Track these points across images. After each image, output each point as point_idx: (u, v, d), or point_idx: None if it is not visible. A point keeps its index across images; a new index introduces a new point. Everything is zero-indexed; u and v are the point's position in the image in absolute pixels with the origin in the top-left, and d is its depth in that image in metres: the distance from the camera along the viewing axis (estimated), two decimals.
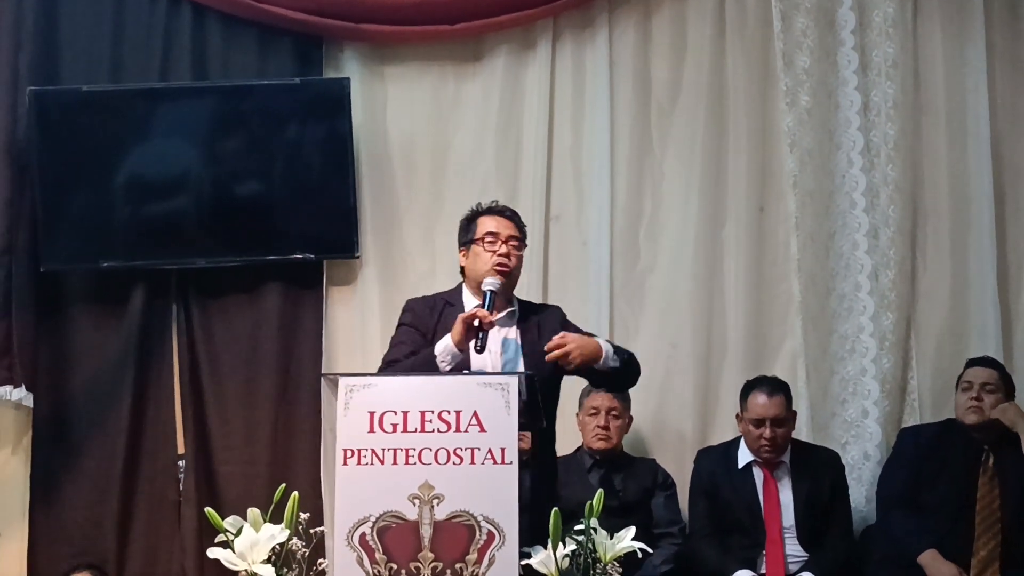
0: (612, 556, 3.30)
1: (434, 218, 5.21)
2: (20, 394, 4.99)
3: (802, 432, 4.88)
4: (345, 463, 3.34)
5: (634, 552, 3.34)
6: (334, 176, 5.03)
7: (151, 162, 5.04)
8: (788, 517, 4.62)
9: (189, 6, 5.16)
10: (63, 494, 5.02)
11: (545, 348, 3.69)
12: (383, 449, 3.32)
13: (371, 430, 3.33)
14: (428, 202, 5.23)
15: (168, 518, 5.01)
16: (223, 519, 3.41)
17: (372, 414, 3.34)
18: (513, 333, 3.86)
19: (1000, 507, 4.54)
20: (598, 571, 3.28)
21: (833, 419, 5.05)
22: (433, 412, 3.33)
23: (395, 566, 3.26)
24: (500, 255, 3.83)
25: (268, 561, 3.34)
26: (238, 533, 3.37)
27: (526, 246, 3.97)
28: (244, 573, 3.34)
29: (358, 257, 5.12)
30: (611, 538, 3.31)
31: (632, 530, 3.35)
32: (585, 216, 5.19)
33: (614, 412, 4.80)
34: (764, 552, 4.57)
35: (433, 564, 3.25)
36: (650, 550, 3.54)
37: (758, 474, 4.67)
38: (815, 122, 5.12)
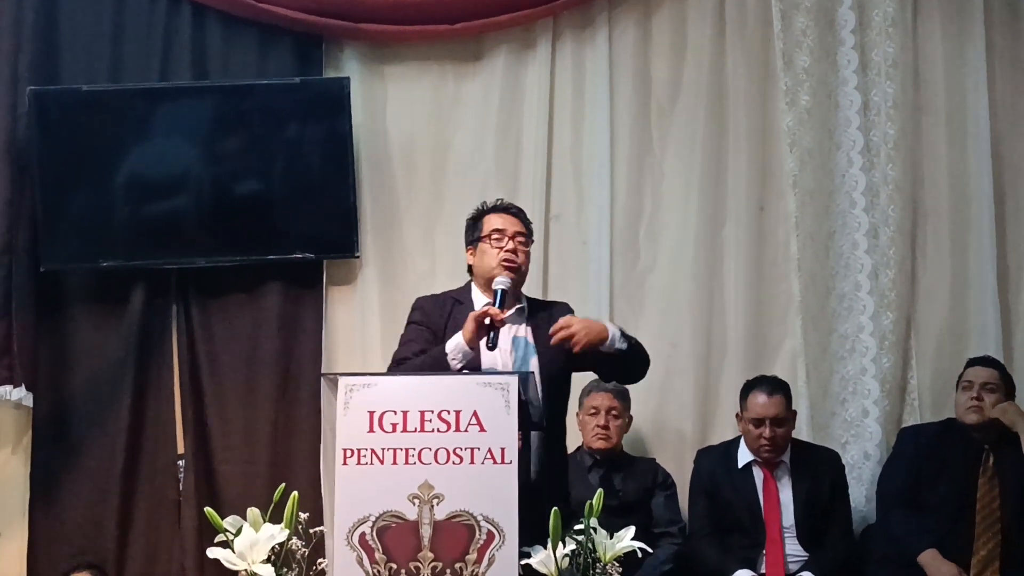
0: (612, 556, 3.29)
1: (434, 218, 5.21)
2: (20, 394, 4.99)
3: (802, 431, 4.88)
4: (345, 463, 3.34)
5: (634, 552, 3.34)
6: (334, 176, 5.03)
7: (151, 162, 5.04)
8: (788, 517, 4.61)
9: (189, 6, 5.16)
10: (63, 494, 5.02)
11: (550, 332, 3.69)
12: (383, 449, 3.32)
13: (371, 430, 3.33)
14: (428, 202, 5.23)
15: (168, 518, 5.02)
16: (223, 519, 3.41)
17: (372, 414, 3.34)
18: (523, 331, 3.86)
19: (1000, 507, 4.54)
20: (598, 571, 3.28)
21: (833, 418, 5.05)
22: (433, 412, 3.33)
23: (395, 566, 3.26)
24: (507, 251, 3.84)
25: (268, 561, 3.34)
26: (238, 533, 3.37)
27: (533, 242, 3.98)
28: (244, 573, 3.34)
29: (358, 257, 5.13)
30: (611, 538, 3.31)
31: (632, 530, 3.35)
32: (585, 216, 5.19)
33: (614, 412, 4.81)
34: (764, 552, 4.56)
35: (433, 564, 3.25)
36: (650, 550, 3.54)
37: (758, 474, 4.67)
38: (815, 121, 5.12)
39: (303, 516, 3.41)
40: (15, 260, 5.00)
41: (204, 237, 5.06)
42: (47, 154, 5.01)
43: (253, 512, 3.40)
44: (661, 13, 5.26)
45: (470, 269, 3.98)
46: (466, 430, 3.32)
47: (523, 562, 3.28)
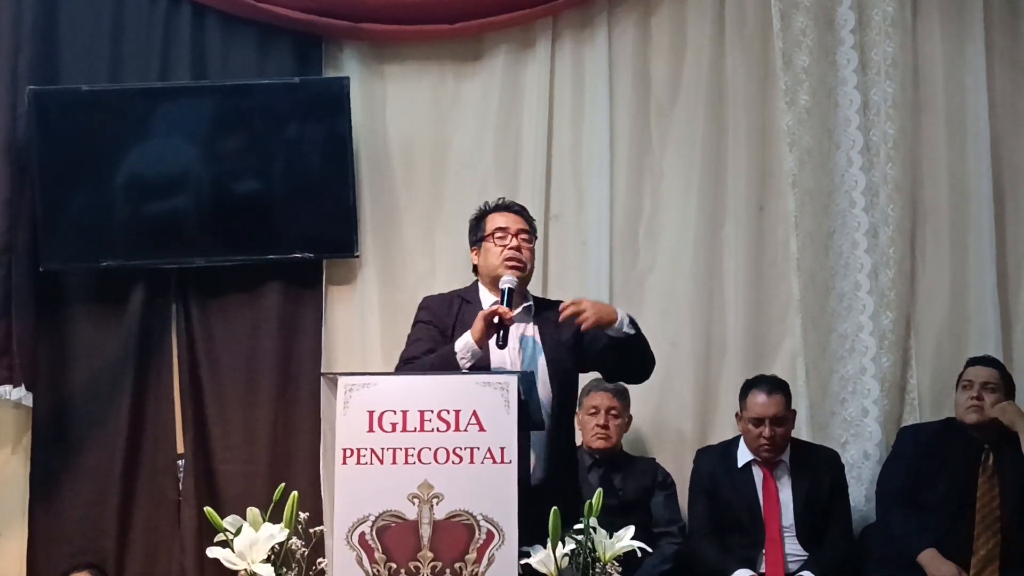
0: (611, 555, 3.29)
1: (433, 217, 5.22)
2: (20, 393, 4.99)
3: (802, 431, 4.88)
4: (344, 462, 3.34)
5: (633, 551, 3.34)
6: (333, 175, 5.03)
7: (151, 161, 5.04)
8: (788, 516, 4.61)
9: (189, 6, 5.16)
10: (63, 493, 5.02)
11: (560, 308, 3.71)
12: (382, 448, 3.32)
13: (370, 429, 3.33)
14: (427, 201, 5.23)
15: (168, 517, 5.01)
16: (222, 518, 3.41)
17: (371, 413, 3.35)
18: (531, 330, 3.86)
19: (1000, 506, 4.54)
20: (597, 570, 3.28)
21: (833, 418, 5.05)
22: (432, 411, 3.33)
23: (394, 565, 3.26)
24: (511, 249, 3.84)
25: (267, 560, 3.34)
26: (237, 532, 3.37)
27: (536, 239, 3.99)
28: (243, 572, 3.34)
29: (357, 256, 5.12)
30: (610, 537, 3.31)
31: (631, 529, 3.35)
32: (584, 215, 5.19)
33: (613, 411, 4.81)
34: (764, 551, 4.56)
35: (432, 563, 3.25)
36: (649, 549, 3.53)
37: (758, 473, 4.67)
38: (814, 121, 5.12)
39: (303, 516, 3.41)
40: (15, 260, 5.00)
41: (204, 237, 5.06)
42: (47, 154, 5.01)
43: (253, 512, 3.40)
44: (660, 13, 5.26)
45: (475, 269, 3.98)
46: (466, 430, 3.32)
47: (523, 562, 3.28)
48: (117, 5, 5.19)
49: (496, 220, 3.92)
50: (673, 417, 5.10)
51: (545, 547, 3.26)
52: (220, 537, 3.40)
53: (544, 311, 3.92)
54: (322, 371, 5.02)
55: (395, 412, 3.34)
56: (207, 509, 3.50)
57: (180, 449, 5.07)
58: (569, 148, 5.21)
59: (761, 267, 5.15)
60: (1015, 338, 5.12)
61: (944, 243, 5.15)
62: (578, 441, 4.81)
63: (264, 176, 5.08)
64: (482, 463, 3.30)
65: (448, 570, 3.25)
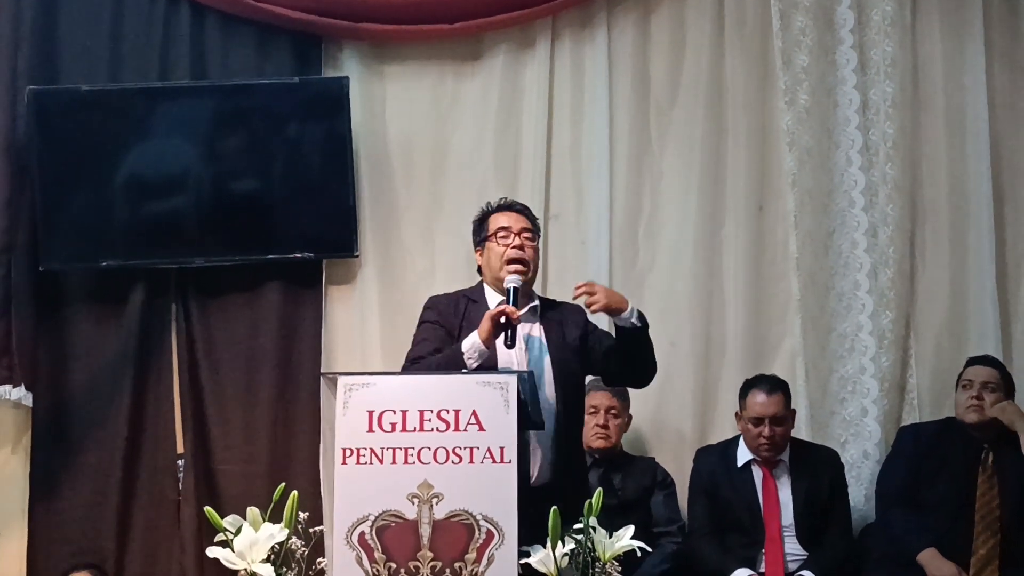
0: (611, 555, 3.30)
1: (433, 217, 5.22)
2: (19, 393, 4.99)
3: (801, 431, 4.88)
4: (344, 462, 3.34)
5: (633, 551, 3.34)
6: (333, 175, 5.03)
7: (150, 161, 5.04)
8: (787, 516, 4.62)
9: (188, 5, 5.15)
10: (62, 493, 5.02)
11: (575, 287, 3.75)
12: (382, 448, 3.32)
13: (370, 429, 3.34)
14: (427, 201, 5.23)
15: (167, 517, 5.01)
16: (222, 518, 3.42)
17: (371, 413, 3.35)
18: (537, 330, 3.87)
19: (999, 506, 4.54)
20: (597, 570, 3.28)
21: (832, 417, 5.05)
22: (432, 411, 3.34)
23: (394, 565, 3.27)
24: (514, 247, 3.85)
25: (267, 560, 3.34)
26: (237, 532, 3.38)
27: (539, 237, 4.00)
28: (243, 572, 3.35)
29: (357, 256, 5.12)
30: (610, 537, 3.31)
31: (631, 529, 3.35)
32: (584, 215, 5.19)
33: (613, 411, 4.81)
34: (763, 551, 4.56)
35: (432, 563, 3.26)
36: (649, 549, 3.54)
37: (757, 473, 4.67)
38: (814, 121, 5.12)
39: (302, 515, 3.42)
40: (14, 260, 5.00)
41: (203, 237, 5.06)
42: (46, 154, 5.01)
43: (253, 511, 3.41)
44: (660, 12, 5.25)
45: (479, 269, 3.99)
46: (465, 429, 3.32)
47: (522, 561, 3.28)
48: (117, 5, 5.19)
49: (499, 220, 3.93)
50: (673, 417, 5.10)
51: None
52: (220, 537, 3.40)
53: (549, 311, 3.93)
54: (322, 371, 5.02)
55: (395, 412, 3.34)
56: (207, 509, 3.51)
57: (180, 449, 5.07)
58: (569, 148, 5.21)
59: (761, 267, 5.15)
60: (1015, 338, 5.12)
61: (944, 243, 5.15)
62: None
63: (264, 176, 5.08)
64: (482, 463, 3.30)
65: (448, 570, 3.25)
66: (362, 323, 5.14)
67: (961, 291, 5.12)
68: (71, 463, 5.04)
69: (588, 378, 4.11)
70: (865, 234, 5.10)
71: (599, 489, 3.38)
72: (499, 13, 5.14)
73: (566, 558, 3.25)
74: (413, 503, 3.29)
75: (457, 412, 3.33)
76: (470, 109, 5.26)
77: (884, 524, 4.69)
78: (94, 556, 4.95)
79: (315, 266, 5.14)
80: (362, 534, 3.28)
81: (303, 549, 3.39)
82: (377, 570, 3.26)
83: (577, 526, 3.29)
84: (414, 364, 3.80)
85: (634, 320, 3.77)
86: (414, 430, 3.33)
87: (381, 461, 3.32)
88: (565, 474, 3.76)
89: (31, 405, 5.05)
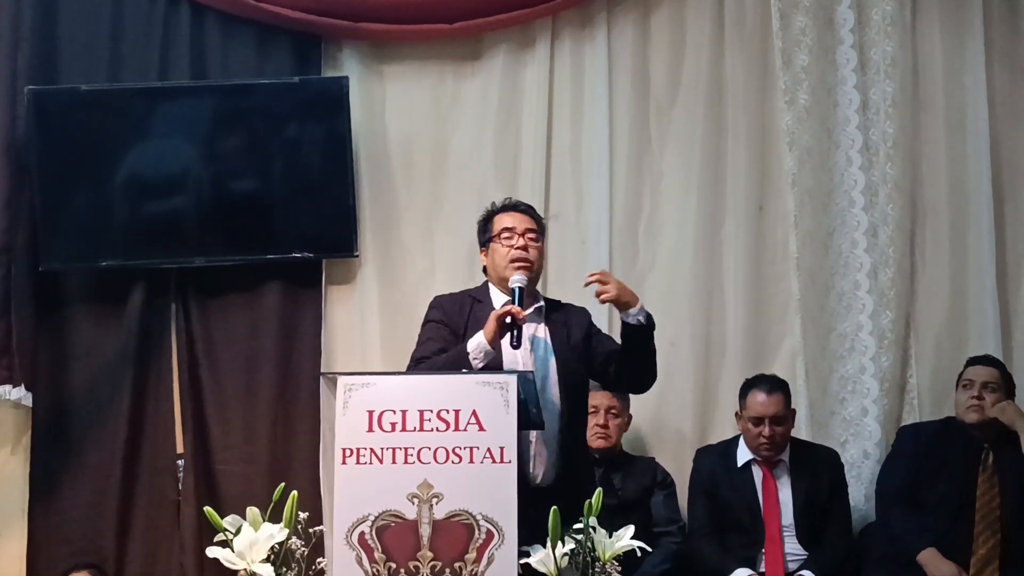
0: (611, 555, 3.30)
1: (433, 217, 5.21)
2: (19, 393, 4.99)
3: (801, 430, 4.88)
4: (344, 462, 3.34)
5: (633, 551, 3.34)
6: (333, 175, 5.03)
7: (150, 161, 5.04)
8: (787, 515, 4.62)
9: (188, 5, 5.15)
10: (62, 493, 5.02)
11: (588, 275, 3.78)
12: (382, 448, 3.32)
13: (370, 429, 3.34)
14: (427, 201, 5.23)
15: (167, 517, 5.01)
16: (222, 518, 3.41)
17: (371, 413, 3.35)
18: (542, 331, 3.87)
19: (999, 505, 4.54)
20: (597, 570, 3.28)
21: (832, 417, 5.05)
22: (432, 411, 3.34)
23: (394, 565, 3.27)
24: (518, 248, 3.84)
25: (267, 560, 3.34)
26: (237, 532, 3.38)
27: (544, 237, 4.00)
28: (243, 572, 3.34)
29: (357, 256, 5.12)
30: (610, 537, 3.31)
31: (631, 529, 3.35)
32: (584, 215, 5.19)
33: (613, 411, 4.81)
34: (763, 551, 4.56)
35: (432, 563, 3.26)
36: (649, 549, 3.54)
37: (757, 472, 4.67)
38: (814, 120, 5.12)
39: (302, 515, 3.42)
40: (14, 260, 5.00)
41: (203, 236, 5.06)
42: (46, 154, 5.00)
43: (252, 511, 3.41)
44: (660, 12, 5.26)
45: (485, 270, 3.99)
46: (465, 429, 3.32)
47: (522, 561, 3.28)
48: (116, 5, 5.18)
49: (503, 220, 3.92)
50: (673, 417, 5.10)
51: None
52: (220, 537, 3.40)
53: (554, 312, 3.93)
54: (322, 371, 5.02)
55: (395, 412, 3.34)
56: (207, 509, 3.51)
57: (180, 449, 5.06)
58: (568, 147, 5.21)
59: (761, 266, 5.15)
60: (1015, 337, 5.12)
61: (944, 242, 5.15)
62: None
63: (264, 176, 5.08)
64: (481, 463, 3.30)
65: (448, 570, 3.25)
66: (362, 323, 5.14)
67: (961, 291, 5.12)
68: (71, 463, 5.04)
69: None
70: (865, 234, 5.10)
71: (599, 489, 3.37)
72: (499, 13, 5.14)
73: (566, 558, 3.25)
74: (413, 503, 3.29)
75: (457, 412, 3.33)
76: (470, 109, 5.25)
77: (884, 524, 4.69)
78: (94, 556, 4.95)
79: (315, 266, 5.14)
80: (362, 534, 3.28)
81: (303, 549, 3.39)
82: (377, 570, 3.26)
83: (577, 526, 3.28)
84: (419, 364, 3.80)
85: (641, 318, 3.78)
86: (414, 430, 3.33)
87: (381, 461, 3.32)
88: (570, 475, 3.76)
89: (31, 405, 5.04)
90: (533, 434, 3.70)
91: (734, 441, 4.77)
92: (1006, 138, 5.20)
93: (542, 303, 3.92)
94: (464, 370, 3.61)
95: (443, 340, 3.82)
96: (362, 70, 5.23)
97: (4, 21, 5.06)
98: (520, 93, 5.22)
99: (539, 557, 3.27)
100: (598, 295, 3.78)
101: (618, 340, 3.92)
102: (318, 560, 3.48)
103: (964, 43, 5.20)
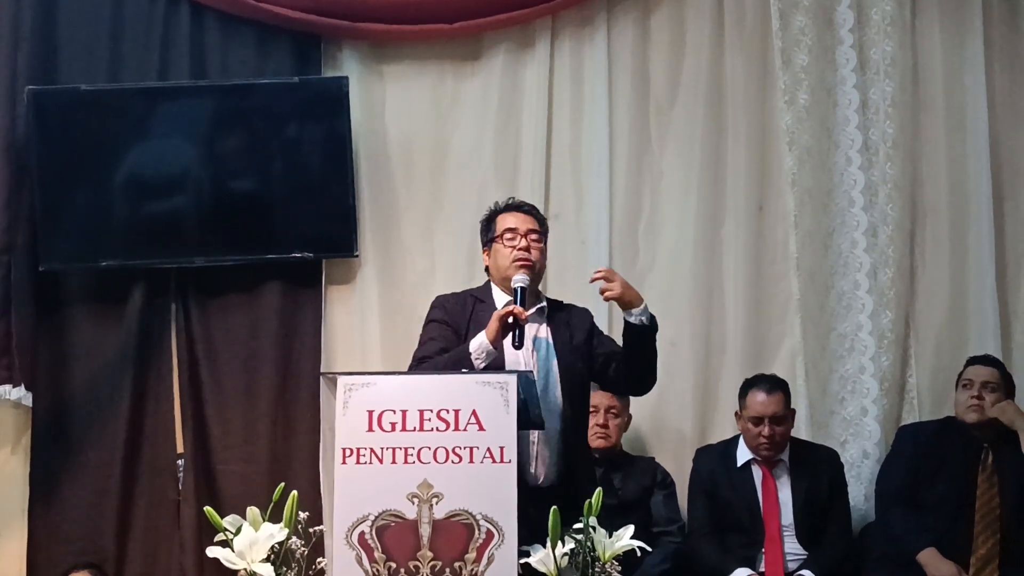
0: (611, 555, 3.30)
1: (433, 217, 5.22)
2: (19, 393, 4.99)
3: (801, 430, 4.88)
4: (344, 462, 3.34)
5: (633, 551, 3.34)
6: (333, 175, 5.03)
7: (150, 161, 5.04)
8: (787, 515, 4.62)
9: (188, 5, 5.15)
10: (62, 493, 5.02)
11: (594, 272, 3.80)
12: (382, 448, 3.32)
13: (370, 429, 3.34)
14: (427, 201, 5.23)
15: (167, 517, 5.01)
16: (222, 518, 3.41)
17: (371, 413, 3.35)
18: (544, 332, 3.86)
19: (999, 505, 4.55)
20: (597, 570, 3.28)
21: (832, 417, 5.05)
22: (432, 411, 3.33)
23: (394, 565, 3.26)
24: (520, 249, 3.84)
25: (267, 560, 3.34)
26: (237, 532, 3.38)
27: (547, 237, 3.99)
28: (243, 572, 3.34)
29: (357, 256, 5.12)
30: (610, 537, 3.31)
31: (631, 529, 3.35)
32: (584, 215, 5.19)
33: (613, 410, 4.81)
34: (763, 550, 4.56)
35: (432, 563, 3.26)
36: (649, 549, 3.54)
37: (757, 472, 4.67)
38: (814, 120, 5.12)
39: (302, 515, 3.42)
40: (14, 260, 5.00)
41: (203, 236, 5.06)
42: (46, 154, 5.00)
43: (252, 511, 3.41)
44: (660, 12, 5.26)
45: (487, 270, 3.98)
46: (465, 429, 3.32)
47: (522, 561, 3.28)
48: (116, 5, 5.18)
49: (506, 221, 3.91)
50: (673, 416, 5.10)
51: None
52: (220, 537, 3.40)
53: (557, 313, 3.93)
54: (321, 371, 5.02)
55: (394, 412, 3.34)
56: (207, 509, 3.51)
57: (180, 449, 5.07)
58: (568, 147, 5.21)
59: (761, 266, 5.15)
60: (1015, 337, 5.12)
61: (943, 242, 5.15)
62: None
63: (263, 176, 5.08)
64: (481, 462, 3.30)
65: (448, 569, 3.25)
66: (362, 323, 5.14)
67: (961, 291, 5.12)
68: (71, 463, 5.04)
69: None
70: (865, 233, 5.10)
71: (599, 489, 3.37)
72: (499, 13, 5.14)
73: (566, 558, 3.25)
74: (413, 503, 3.28)
75: (457, 412, 3.33)
76: (470, 109, 5.25)
77: (884, 524, 4.69)
78: (94, 556, 4.95)
79: (315, 266, 5.14)
80: (362, 534, 3.28)
81: (303, 549, 3.39)
82: (377, 570, 3.26)
83: (577, 526, 3.28)
84: (421, 364, 3.80)
85: (643, 319, 3.78)
86: (414, 430, 3.33)
87: (381, 461, 3.32)
88: (572, 475, 3.76)
89: (31, 405, 5.05)
90: (535, 435, 3.70)
91: (734, 441, 4.77)
92: (1006, 138, 5.20)
93: (544, 303, 3.92)
94: (464, 370, 3.61)
95: (445, 340, 3.82)
96: (362, 70, 5.23)
97: (4, 21, 5.06)
98: (520, 93, 5.22)
99: (539, 557, 3.27)
100: (602, 292, 3.78)
101: (619, 341, 3.92)
102: (318, 560, 3.47)
103: (964, 43, 5.20)
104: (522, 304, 3.68)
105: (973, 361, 4.76)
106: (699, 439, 5.00)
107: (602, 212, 5.15)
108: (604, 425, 4.78)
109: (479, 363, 3.64)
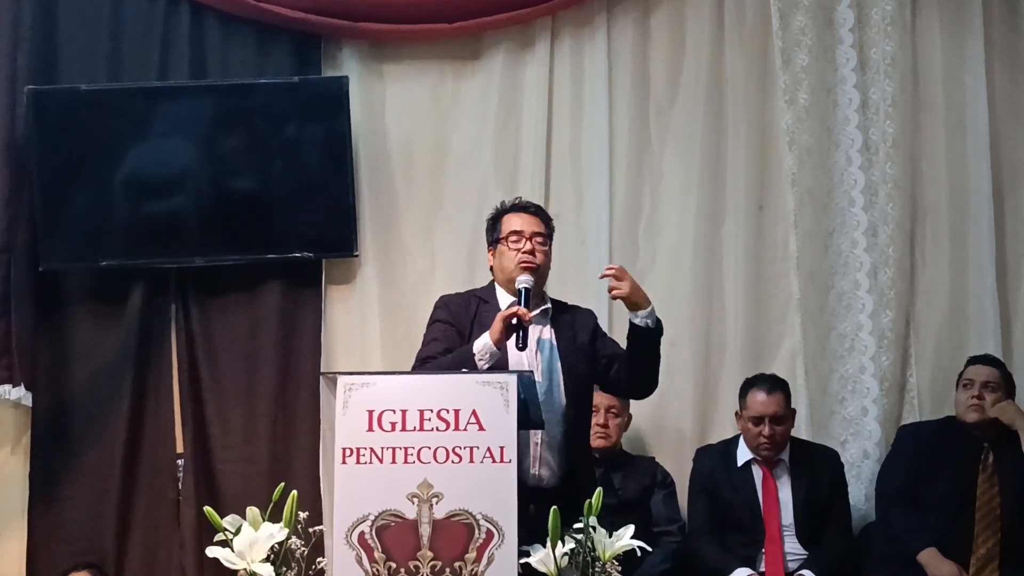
0: (611, 555, 3.30)
1: (433, 216, 5.21)
2: (19, 393, 4.99)
3: (801, 430, 4.88)
4: (344, 462, 3.34)
5: (633, 551, 3.34)
6: (333, 175, 5.03)
7: (150, 161, 5.04)
8: (787, 515, 4.62)
9: (187, 5, 5.15)
10: (62, 493, 5.02)
11: (605, 267, 3.81)
12: (382, 448, 3.32)
13: (370, 429, 3.34)
14: (427, 200, 5.23)
15: (167, 517, 5.01)
16: (222, 518, 3.41)
17: (371, 413, 3.35)
18: (547, 333, 3.86)
19: (1000, 505, 4.55)
20: (597, 570, 3.28)
21: (832, 417, 5.05)
22: (432, 411, 3.33)
23: (394, 565, 3.26)
24: (525, 252, 3.84)
25: (267, 560, 3.34)
26: (237, 532, 3.38)
27: (552, 238, 3.98)
28: (243, 572, 3.34)
29: (357, 256, 5.12)
30: (610, 537, 3.31)
31: (631, 528, 3.35)
32: (584, 214, 5.19)
33: (613, 410, 4.80)
34: (763, 550, 4.56)
35: (432, 563, 3.25)
36: (649, 548, 3.54)
37: (757, 472, 4.67)
38: (814, 120, 5.12)
39: (302, 515, 3.42)
40: (14, 259, 4.99)
41: (203, 236, 5.06)
42: (46, 153, 5.00)
43: (252, 511, 3.41)
44: (660, 12, 5.25)
45: (491, 270, 3.98)
46: (465, 429, 3.32)
47: (522, 561, 3.28)
48: (116, 4, 5.18)
49: (512, 222, 3.90)
50: (673, 416, 5.10)
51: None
52: (220, 536, 3.40)
53: (561, 314, 3.92)
54: (322, 370, 5.02)
55: (394, 411, 3.34)
56: (207, 509, 3.50)
57: (179, 448, 5.07)
58: (568, 147, 5.21)
59: (761, 266, 5.15)
60: (1015, 337, 5.12)
61: (944, 241, 5.15)
62: None
63: (263, 176, 5.08)
64: (481, 462, 3.30)
65: (448, 569, 3.25)
66: (362, 323, 5.14)
67: (961, 291, 5.12)
68: (71, 463, 5.04)
69: None
70: (865, 233, 5.10)
71: (599, 489, 3.37)
72: (499, 12, 5.14)
73: (566, 558, 3.25)
74: (413, 503, 3.28)
75: (457, 412, 3.33)
76: (470, 109, 5.25)
77: (884, 523, 4.69)
78: (94, 556, 4.95)
79: (315, 266, 5.14)
80: (362, 534, 3.28)
81: (303, 549, 3.39)
82: (377, 570, 3.26)
83: (577, 526, 3.28)
84: (424, 364, 3.80)
85: (649, 321, 3.77)
86: (414, 430, 3.33)
87: (381, 461, 3.31)
88: (573, 476, 3.76)
89: (31, 405, 5.04)
90: (538, 436, 3.70)
91: (734, 441, 4.77)
92: (1006, 138, 5.20)
93: (549, 305, 3.91)
94: (464, 370, 3.61)
95: (448, 340, 3.82)
96: (362, 70, 5.23)
97: (4, 21, 5.06)
98: (520, 93, 5.22)
99: (539, 557, 3.27)
100: (610, 290, 3.77)
101: (622, 342, 3.92)
102: (318, 560, 3.47)
103: (964, 43, 5.20)
104: (526, 305, 3.68)
105: (973, 361, 4.76)
106: (699, 439, 5.00)
107: (602, 212, 5.15)
108: (604, 425, 4.78)
109: (483, 364, 3.64)
